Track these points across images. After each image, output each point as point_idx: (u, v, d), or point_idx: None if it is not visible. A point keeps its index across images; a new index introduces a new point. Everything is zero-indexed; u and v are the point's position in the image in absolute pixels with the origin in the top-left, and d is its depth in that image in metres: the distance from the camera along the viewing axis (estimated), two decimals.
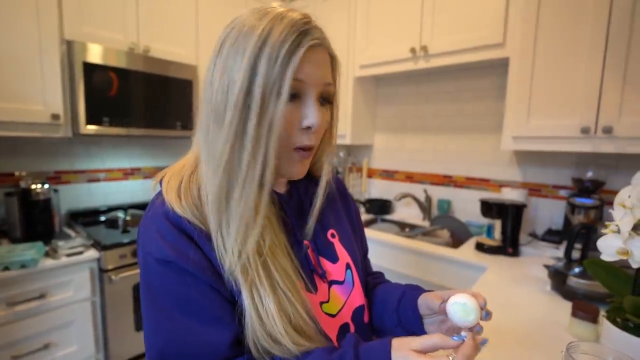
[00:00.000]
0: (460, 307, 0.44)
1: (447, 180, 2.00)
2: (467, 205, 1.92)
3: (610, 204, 1.50)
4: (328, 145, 0.56)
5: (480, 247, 1.49)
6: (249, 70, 0.41)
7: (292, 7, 0.48)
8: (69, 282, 1.34)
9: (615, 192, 1.49)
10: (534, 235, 1.66)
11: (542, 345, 0.83)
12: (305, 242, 0.55)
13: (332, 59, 0.49)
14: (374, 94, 2.27)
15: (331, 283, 0.56)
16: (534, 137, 1.44)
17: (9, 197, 1.46)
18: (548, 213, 1.68)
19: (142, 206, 1.95)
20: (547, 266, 1.15)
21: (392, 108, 2.21)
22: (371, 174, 2.37)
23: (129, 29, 1.61)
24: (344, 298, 0.57)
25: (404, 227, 1.98)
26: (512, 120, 1.49)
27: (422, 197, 2.04)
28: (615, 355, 0.50)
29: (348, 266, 0.60)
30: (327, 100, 0.49)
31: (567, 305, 1.01)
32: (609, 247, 0.69)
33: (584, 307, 0.88)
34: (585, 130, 1.31)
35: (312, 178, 0.59)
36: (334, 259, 0.58)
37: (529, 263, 1.36)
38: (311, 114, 0.45)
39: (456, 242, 1.69)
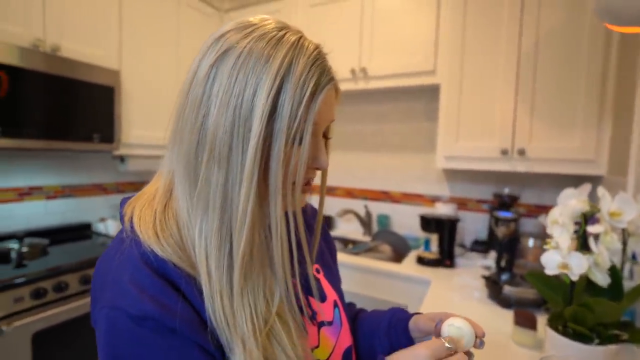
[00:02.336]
0: (456, 331, 0.44)
1: (384, 196, 2.07)
2: (404, 220, 2.01)
3: (524, 215, 1.73)
4: (324, 176, 0.53)
5: (421, 260, 1.55)
6: (268, 112, 0.36)
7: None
8: None
9: (527, 206, 1.73)
10: (463, 246, 1.80)
11: (493, 354, 0.87)
12: (293, 280, 0.48)
13: (337, 92, 0.46)
14: None
15: (320, 325, 0.50)
16: (463, 157, 1.58)
17: None
18: (473, 225, 1.84)
19: (43, 233, 1.60)
20: (485, 277, 1.24)
21: (334, 125, 2.24)
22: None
23: (32, 22, 1.34)
24: (334, 340, 0.51)
25: (347, 243, 1.99)
26: (443, 141, 1.61)
27: (362, 213, 2.08)
28: None
29: (335, 304, 0.55)
30: (325, 135, 0.46)
31: (505, 313, 1.10)
32: (550, 261, 0.76)
33: (524, 316, 0.96)
34: (504, 152, 1.48)
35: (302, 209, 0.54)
36: (322, 297, 0.53)
37: (465, 274, 1.46)
38: (322, 157, 0.43)
39: (397, 256, 1.74)
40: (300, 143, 0.38)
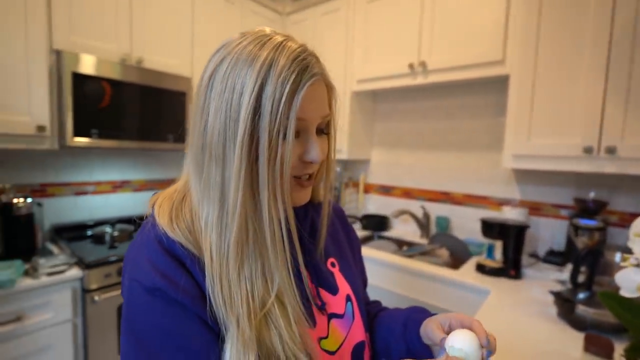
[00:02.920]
0: (457, 352, 0.41)
1: (444, 197, 1.95)
2: (466, 223, 1.87)
3: (615, 225, 1.48)
4: (328, 171, 0.53)
5: (481, 268, 1.43)
6: (252, 111, 0.39)
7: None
8: (49, 304, 1.25)
9: (619, 213, 1.48)
10: (535, 256, 1.61)
11: None
12: (301, 269, 0.51)
13: (329, 88, 0.47)
14: (371, 109, 2.23)
15: (330, 316, 0.51)
16: (535, 155, 1.40)
17: None
18: (549, 233, 1.63)
19: (130, 221, 1.87)
20: (553, 292, 1.09)
21: (390, 123, 2.18)
22: (368, 189, 2.32)
23: (121, 39, 1.57)
24: (344, 333, 0.52)
25: (401, 245, 1.92)
26: (512, 138, 1.45)
27: (419, 214, 1.99)
28: None
29: (348, 298, 0.55)
30: (323, 130, 0.47)
31: (577, 336, 0.96)
32: (628, 281, 0.64)
33: (597, 342, 0.83)
34: (588, 150, 1.28)
35: (309, 203, 0.55)
36: (333, 290, 0.54)
37: (532, 287, 1.31)
38: (313, 150, 0.44)
39: (456, 262, 1.63)
40: (285, 138, 0.40)
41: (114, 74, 1.52)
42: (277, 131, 0.39)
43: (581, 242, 1.38)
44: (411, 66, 1.71)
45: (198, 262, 0.42)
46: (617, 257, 1.13)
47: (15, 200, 1.37)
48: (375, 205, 2.29)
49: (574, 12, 1.29)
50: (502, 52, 1.47)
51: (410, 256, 1.62)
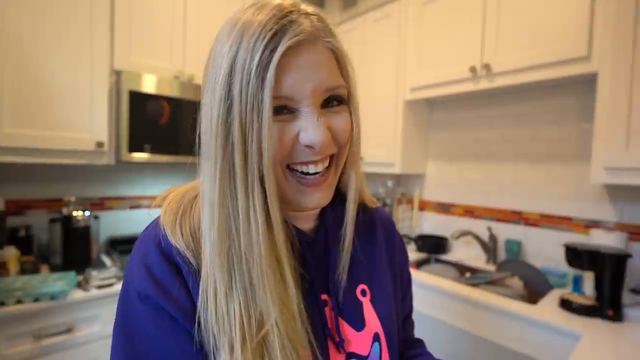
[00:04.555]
0: None
1: (516, 217, 1.72)
2: (543, 248, 1.62)
3: None
4: (352, 164, 0.43)
5: (566, 305, 1.20)
6: (223, 94, 0.34)
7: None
8: (97, 316, 1.29)
9: None
10: (636, 291, 1.32)
11: None
12: (324, 296, 0.43)
13: (335, 53, 0.37)
14: (426, 119, 2.09)
15: (350, 356, 0.42)
16: (636, 168, 1.16)
17: (52, 223, 1.49)
18: None
19: None
20: None
21: (448, 133, 2.01)
22: (423, 206, 2.15)
23: (175, 57, 1.65)
24: None
25: (463, 271, 1.72)
26: (603, 148, 1.23)
27: (485, 236, 1.77)
28: None
29: (377, 337, 0.45)
30: (338, 101, 0.38)
31: None
32: None
33: None
34: None
35: (340, 206, 0.47)
36: (359, 325, 0.44)
37: (638, 332, 1.05)
38: (310, 128, 0.35)
39: (532, 295, 1.40)
40: (259, 119, 0.33)
41: (171, 91, 1.60)
42: (251, 112, 0.33)
43: None
44: (473, 70, 1.56)
45: (195, 273, 0.37)
46: None
47: (74, 213, 1.47)
48: (431, 224, 2.10)
49: None
50: (587, 47, 1.27)
51: (474, 285, 1.43)
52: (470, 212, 1.90)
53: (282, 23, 0.33)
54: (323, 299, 0.42)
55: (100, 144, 1.46)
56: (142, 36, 1.56)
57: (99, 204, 1.74)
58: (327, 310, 0.42)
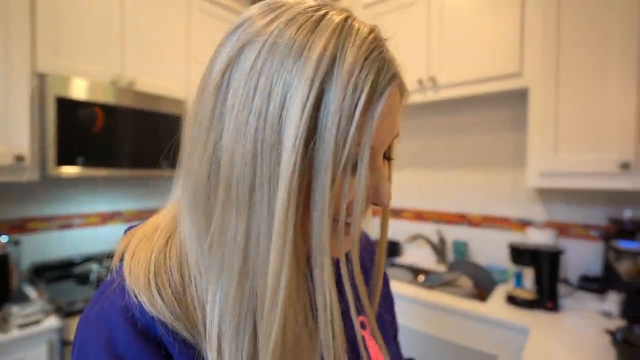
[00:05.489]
0: None
1: (461, 219, 1.79)
2: (486, 247, 1.71)
3: None
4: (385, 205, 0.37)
5: (512, 300, 1.26)
6: (305, 131, 0.24)
7: None
8: None
9: None
10: (566, 282, 1.44)
11: None
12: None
13: (402, 94, 0.31)
14: None
15: None
16: (564, 172, 1.26)
17: None
18: (579, 256, 1.47)
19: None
20: (611, 333, 0.92)
21: (398, 141, 2.04)
22: (374, 212, 2.15)
23: (111, 60, 1.44)
24: None
25: (417, 273, 1.75)
26: (537, 155, 1.32)
27: (434, 238, 1.82)
28: None
29: None
30: (386, 156, 0.32)
31: None
32: None
33: None
34: (624, 166, 1.14)
35: None
36: None
37: (575, 321, 1.13)
38: (384, 188, 0.29)
39: (481, 292, 1.46)
40: (353, 174, 0.26)
41: (105, 97, 1.39)
42: (344, 165, 0.24)
43: (623, 267, 1.22)
44: (420, 82, 1.60)
45: (193, 354, 0.27)
46: None
47: None
48: None
49: (597, 18, 1.19)
50: (519, 64, 1.36)
51: (430, 287, 1.44)
52: (419, 215, 1.95)
53: (382, 57, 0.26)
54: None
55: (19, 158, 1.21)
56: (72, 35, 1.33)
57: (18, 227, 1.45)
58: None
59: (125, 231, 0.35)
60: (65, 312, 1.15)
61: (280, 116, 0.24)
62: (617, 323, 1.09)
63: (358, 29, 0.27)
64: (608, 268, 1.30)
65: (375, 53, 0.26)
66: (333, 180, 0.25)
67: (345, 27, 0.26)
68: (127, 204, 1.80)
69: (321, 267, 0.26)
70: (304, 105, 0.24)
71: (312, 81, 0.24)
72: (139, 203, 1.85)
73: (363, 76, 0.25)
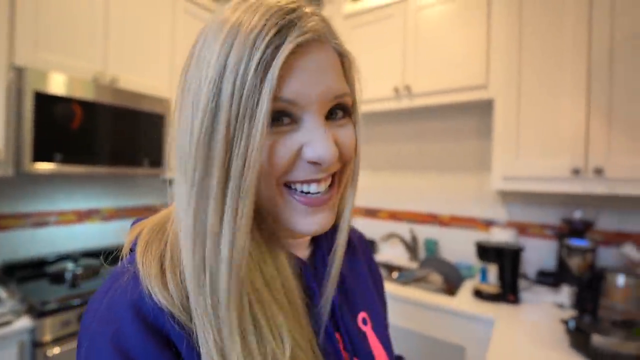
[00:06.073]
0: None
1: (432, 219, 1.87)
2: (454, 245, 1.78)
3: (602, 244, 1.44)
4: (351, 183, 0.37)
5: (478, 294, 1.33)
6: (210, 99, 0.26)
7: None
8: None
9: (604, 233, 1.44)
10: (526, 277, 1.53)
11: None
12: (336, 334, 0.36)
13: (342, 57, 0.33)
14: None
15: None
16: (524, 177, 1.36)
17: None
18: (536, 253, 1.57)
19: (97, 253, 1.62)
20: (565, 322, 1.00)
21: (375, 146, 2.10)
22: (353, 212, 2.19)
23: (94, 56, 1.39)
24: None
25: (391, 270, 1.80)
26: (500, 160, 1.41)
27: (407, 237, 1.89)
28: None
29: None
30: (343, 111, 0.32)
31: None
32: None
33: None
34: (575, 171, 1.24)
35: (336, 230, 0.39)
36: (369, 358, 0.38)
37: (533, 312, 1.21)
38: (318, 142, 0.28)
39: (450, 287, 1.53)
40: (251, 124, 0.26)
41: (85, 94, 1.34)
42: (242, 118, 0.26)
43: (574, 263, 1.32)
44: (396, 90, 1.66)
45: (198, 350, 0.27)
46: (621, 280, 1.06)
47: None
48: (360, 228, 2.14)
49: (552, 37, 1.29)
50: (485, 77, 1.45)
51: (404, 283, 1.49)
52: (394, 216, 2.01)
53: (289, 18, 0.27)
54: (336, 337, 0.36)
55: None
56: (53, 29, 1.28)
57: None
58: (342, 351, 0.35)
59: (132, 224, 0.35)
60: (38, 312, 1.09)
61: (202, 86, 0.27)
62: (570, 313, 1.18)
63: (276, 1, 0.28)
64: (561, 264, 1.40)
65: (279, 15, 0.27)
66: (227, 131, 0.26)
67: (263, 2, 0.28)
68: (105, 202, 1.74)
69: (227, 225, 0.26)
70: (214, 71, 0.26)
71: (220, 51, 0.27)
72: (118, 201, 1.78)
73: (266, 30, 0.26)
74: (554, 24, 1.28)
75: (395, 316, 1.37)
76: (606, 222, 1.42)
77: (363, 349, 0.38)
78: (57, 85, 1.27)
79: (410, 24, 1.63)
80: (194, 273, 0.26)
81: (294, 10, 0.28)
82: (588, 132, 1.23)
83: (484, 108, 1.63)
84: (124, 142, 1.49)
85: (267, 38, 0.26)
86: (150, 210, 1.91)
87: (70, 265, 1.43)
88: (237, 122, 0.26)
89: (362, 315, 0.41)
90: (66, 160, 1.31)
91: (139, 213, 1.87)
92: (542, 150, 1.32)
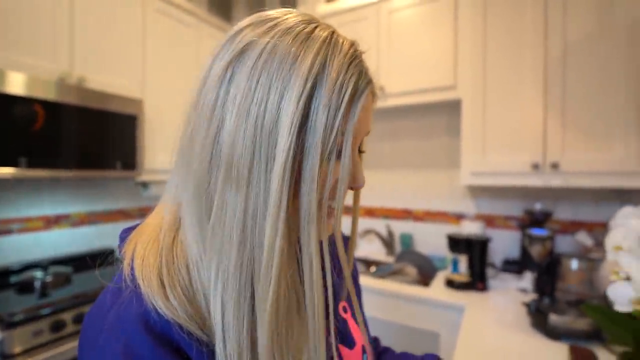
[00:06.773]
0: None
1: (406, 215, 1.94)
2: (428, 239, 1.87)
3: (559, 232, 1.56)
4: (358, 197, 0.48)
5: (450, 284, 1.40)
6: (299, 120, 0.28)
7: None
8: None
9: (561, 222, 1.56)
10: (493, 265, 1.63)
11: None
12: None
13: (374, 98, 0.37)
14: None
15: None
16: (490, 172, 1.44)
17: None
18: (502, 243, 1.68)
19: (67, 261, 1.56)
20: (526, 304, 1.08)
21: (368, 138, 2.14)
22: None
23: (60, 56, 1.33)
24: None
25: (369, 265, 1.85)
26: (469, 157, 1.49)
27: (384, 232, 1.95)
28: None
29: (364, 350, 0.45)
30: (360, 149, 0.38)
31: (553, 346, 0.94)
32: (621, 296, 0.62)
33: (581, 353, 0.81)
34: (535, 166, 1.34)
35: None
36: (351, 343, 0.43)
37: (500, 298, 1.30)
38: (360, 174, 0.36)
39: (425, 278, 1.60)
40: (338, 158, 0.30)
41: (46, 94, 1.28)
42: (329, 150, 0.29)
43: (535, 250, 1.43)
44: None
45: (209, 352, 0.28)
46: (574, 264, 1.16)
47: None
48: None
49: (513, 39, 1.38)
50: (453, 78, 1.52)
51: (381, 277, 1.55)
52: (370, 212, 2.06)
53: (360, 66, 0.32)
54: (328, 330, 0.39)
55: None
56: (13, 26, 1.21)
57: None
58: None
59: (122, 235, 0.35)
60: (5, 324, 1.04)
61: (278, 107, 0.28)
62: (531, 296, 1.28)
63: (342, 42, 0.32)
64: (524, 252, 1.51)
65: (356, 61, 0.32)
66: (321, 161, 0.29)
67: (332, 39, 0.31)
68: (74, 207, 1.66)
69: (308, 235, 0.30)
70: (299, 99, 0.28)
71: (306, 79, 0.28)
72: (88, 205, 1.71)
73: (347, 77, 0.30)
74: (515, 27, 1.37)
75: (373, 308, 1.42)
76: (563, 212, 1.55)
77: (345, 335, 0.42)
78: (16, 84, 1.20)
79: (384, 26, 1.68)
80: (232, 282, 0.29)
81: (357, 52, 0.33)
82: (545, 129, 1.33)
83: (453, 107, 1.71)
84: (93, 144, 1.43)
85: (352, 83, 0.30)
86: (124, 214, 1.85)
87: (38, 274, 1.36)
88: (326, 150, 0.29)
89: (342, 304, 0.45)
90: (29, 164, 1.24)
91: (112, 217, 1.80)
92: (505, 147, 1.41)
